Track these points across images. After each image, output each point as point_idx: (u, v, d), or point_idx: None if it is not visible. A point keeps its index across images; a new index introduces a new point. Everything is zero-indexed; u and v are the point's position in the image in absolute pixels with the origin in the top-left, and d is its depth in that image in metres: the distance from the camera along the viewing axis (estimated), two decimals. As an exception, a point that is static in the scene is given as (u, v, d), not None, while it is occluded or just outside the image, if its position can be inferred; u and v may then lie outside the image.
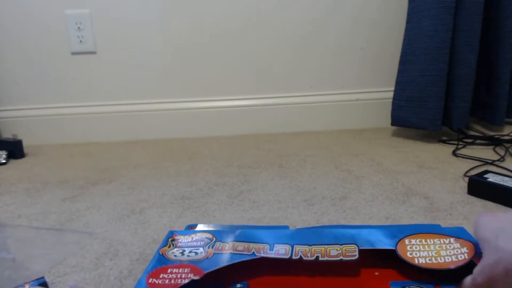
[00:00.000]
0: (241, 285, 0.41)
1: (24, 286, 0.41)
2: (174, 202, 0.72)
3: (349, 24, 1.21)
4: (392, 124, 1.12)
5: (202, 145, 1.14)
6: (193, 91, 1.25)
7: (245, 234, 0.48)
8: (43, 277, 0.43)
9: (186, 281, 0.39)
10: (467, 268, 0.39)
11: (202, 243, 0.46)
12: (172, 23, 1.19)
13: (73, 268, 0.51)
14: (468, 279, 0.37)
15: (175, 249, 0.46)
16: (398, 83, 1.09)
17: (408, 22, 1.06)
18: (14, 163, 1.05)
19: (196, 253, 0.44)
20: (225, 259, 0.42)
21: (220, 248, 0.45)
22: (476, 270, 0.36)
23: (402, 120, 1.09)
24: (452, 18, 0.97)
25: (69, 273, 0.50)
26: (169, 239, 0.48)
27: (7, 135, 1.21)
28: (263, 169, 0.89)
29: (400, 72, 1.08)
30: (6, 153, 1.06)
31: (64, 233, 0.61)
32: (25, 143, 1.12)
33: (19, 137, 1.12)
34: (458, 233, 0.45)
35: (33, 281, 0.42)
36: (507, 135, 1.04)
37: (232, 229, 0.54)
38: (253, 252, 0.43)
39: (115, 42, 1.20)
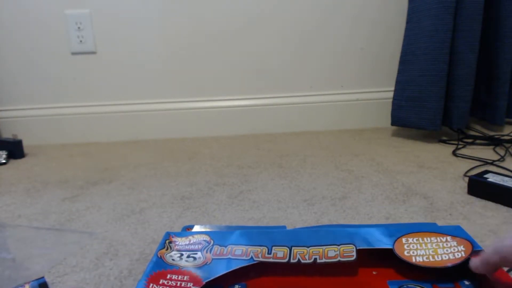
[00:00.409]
0: (239, 286, 0.41)
1: (24, 286, 0.41)
2: (174, 202, 0.72)
3: (349, 24, 1.21)
4: (392, 124, 1.12)
5: (202, 145, 1.14)
6: (193, 91, 1.25)
7: (243, 236, 0.47)
8: (43, 277, 0.43)
9: (188, 286, 0.39)
10: (464, 266, 0.39)
11: (200, 246, 0.46)
12: (172, 23, 1.19)
13: (73, 268, 0.51)
14: (477, 257, 0.38)
15: (173, 252, 0.46)
16: (398, 83, 1.09)
17: (408, 22, 1.06)
18: (14, 163, 1.05)
19: (194, 258, 0.44)
20: (223, 266, 0.42)
21: (218, 252, 0.45)
22: (491, 246, 0.37)
23: (402, 120, 1.09)
24: (452, 18, 0.97)
25: (69, 273, 0.50)
26: (167, 241, 0.48)
27: (7, 135, 1.22)
28: (263, 169, 0.89)
29: (400, 72, 1.08)
30: (6, 153, 1.06)
31: (64, 233, 0.61)
32: (25, 143, 1.12)
33: (19, 137, 1.12)
34: (454, 232, 0.45)
35: (33, 281, 0.42)
36: (507, 135, 1.04)
37: (229, 229, 0.54)
38: (251, 257, 0.43)
39: (115, 42, 1.20)
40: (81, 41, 1.19)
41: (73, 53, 1.21)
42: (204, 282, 0.40)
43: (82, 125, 1.25)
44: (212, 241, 0.47)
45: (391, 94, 1.14)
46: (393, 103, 1.11)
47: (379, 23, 1.21)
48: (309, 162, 0.93)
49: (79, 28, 1.18)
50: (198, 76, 1.24)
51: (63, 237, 0.60)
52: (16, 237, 0.61)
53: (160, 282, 0.40)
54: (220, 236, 0.48)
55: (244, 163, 0.94)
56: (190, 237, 0.49)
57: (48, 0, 1.16)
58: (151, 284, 0.39)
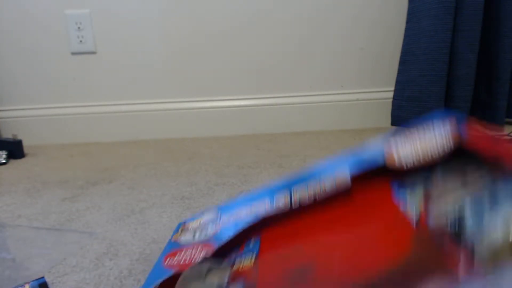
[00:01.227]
0: (255, 240, 0.42)
1: (24, 286, 0.41)
2: (174, 202, 0.72)
3: (349, 24, 1.21)
4: (392, 124, 1.12)
5: (202, 145, 1.14)
6: (193, 91, 1.25)
7: (245, 199, 0.49)
8: (43, 277, 0.43)
9: (202, 254, 0.41)
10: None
11: (209, 222, 0.49)
12: (172, 23, 1.19)
13: (73, 268, 0.51)
14: None
15: (187, 233, 0.48)
16: (398, 83, 1.09)
17: (408, 22, 1.06)
18: (14, 163, 1.05)
19: (206, 233, 0.46)
20: (231, 230, 0.44)
21: (225, 221, 0.47)
22: None
23: (402, 120, 1.09)
24: (452, 18, 0.97)
25: (69, 273, 0.50)
26: (180, 228, 0.51)
27: (7, 135, 1.22)
28: (263, 169, 0.89)
29: (400, 72, 1.08)
30: (6, 153, 1.06)
31: (64, 233, 0.61)
32: (25, 143, 1.12)
33: (19, 137, 1.12)
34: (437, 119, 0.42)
35: (33, 281, 0.42)
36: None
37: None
38: (255, 214, 0.44)
39: (115, 42, 1.20)
40: (81, 41, 1.19)
41: (73, 53, 1.21)
42: (216, 247, 0.42)
43: (82, 125, 1.25)
44: (219, 214, 0.49)
45: (391, 94, 1.14)
46: (393, 103, 1.11)
47: (379, 23, 1.21)
48: (309, 162, 0.93)
49: (79, 28, 1.18)
50: (198, 76, 1.24)
51: (63, 237, 0.60)
52: (16, 237, 0.61)
53: (176, 256, 0.43)
54: (226, 207, 0.50)
55: (244, 163, 0.94)
56: (200, 219, 0.51)
57: (48, 0, 1.16)
58: (168, 258, 0.42)
